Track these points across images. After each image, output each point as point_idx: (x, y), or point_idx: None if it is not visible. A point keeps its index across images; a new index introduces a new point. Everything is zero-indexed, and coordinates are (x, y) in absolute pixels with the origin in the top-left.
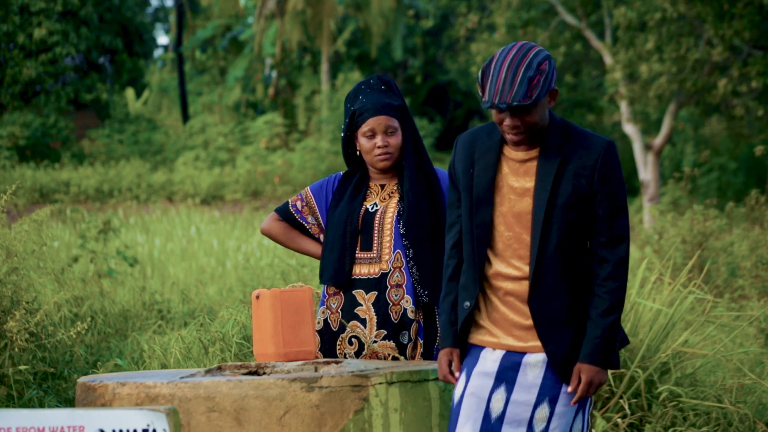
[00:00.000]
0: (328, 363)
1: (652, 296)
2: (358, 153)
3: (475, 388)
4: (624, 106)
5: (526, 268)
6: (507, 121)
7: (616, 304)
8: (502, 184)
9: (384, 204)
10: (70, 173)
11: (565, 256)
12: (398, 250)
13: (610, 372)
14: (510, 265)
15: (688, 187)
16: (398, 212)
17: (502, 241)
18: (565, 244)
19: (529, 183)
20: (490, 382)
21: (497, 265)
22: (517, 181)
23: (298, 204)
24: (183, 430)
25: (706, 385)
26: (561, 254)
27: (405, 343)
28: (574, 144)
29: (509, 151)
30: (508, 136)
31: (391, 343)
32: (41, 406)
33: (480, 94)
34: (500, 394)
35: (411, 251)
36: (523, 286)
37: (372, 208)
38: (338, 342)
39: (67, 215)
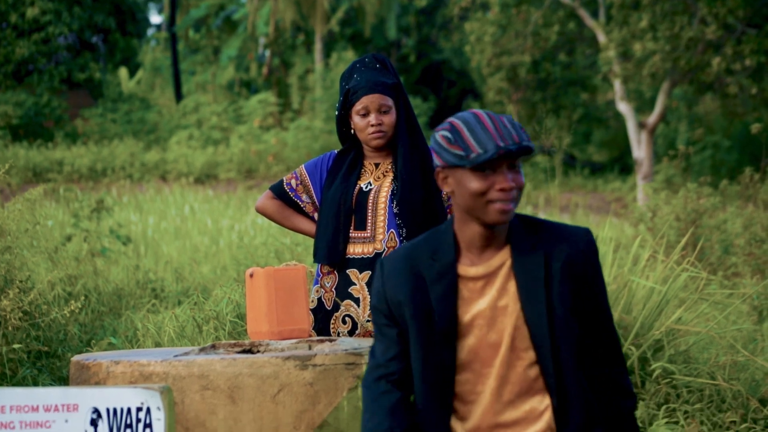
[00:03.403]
0: (322, 341)
1: (646, 274)
2: (352, 131)
3: None
4: (618, 84)
5: (515, 413)
6: (501, 182)
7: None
8: (465, 312)
9: (378, 183)
10: (63, 152)
11: (581, 382)
12: (392, 230)
13: None
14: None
15: (682, 165)
16: (392, 191)
17: (479, 382)
18: (579, 363)
19: (502, 301)
20: None
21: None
22: (484, 302)
23: (293, 182)
24: (177, 408)
25: (699, 362)
26: (577, 380)
27: None
28: (551, 238)
29: (465, 270)
30: (499, 206)
31: None
32: (35, 384)
33: (453, 155)
34: None
35: (404, 230)
36: None
37: (366, 188)
38: (332, 321)
39: (61, 194)
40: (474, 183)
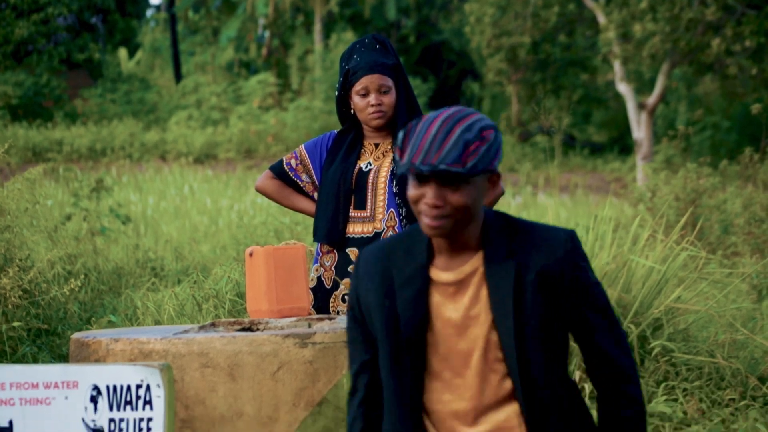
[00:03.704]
0: (321, 319)
1: (645, 253)
2: (352, 112)
3: None
4: (617, 65)
5: (487, 425)
6: (427, 197)
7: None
8: (436, 318)
9: (378, 163)
10: (62, 132)
11: (557, 394)
12: (392, 209)
13: None
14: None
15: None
16: (392, 171)
17: (448, 391)
18: (550, 377)
19: (474, 309)
20: None
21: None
22: (455, 310)
23: (293, 162)
24: (176, 386)
25: (698, 341)
26: (552, 392)
27: None
28: (527, 243)
29: (437, 275)
30: (425, 221)
31: None
32: (35, 362)
33: (398, 158)
34: None
35: (404, 210)
36: None
37: (366, 167)
38: (331, 299)
39: (60, 174)
40: (410, 189)
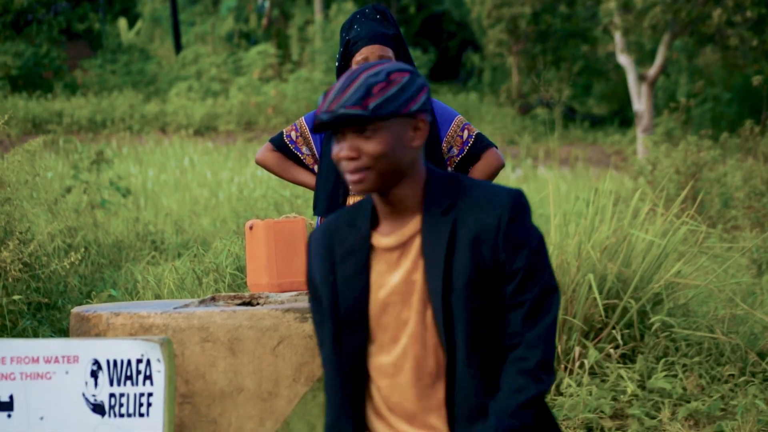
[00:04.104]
0: None
1: (645, 227)
2: None
3: None
4: (618, 36)
5: (434, 401)
6: (342, 150)
7: (535, 395)
8: (379, 287)
9: None
10: (62, 103)
11: (481, 362)
12: None
13: (602, 302)
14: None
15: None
16: None
17: (389, 361)
18: (476, 345)
19: (416, 274)
20: None
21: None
22: (398, 276)
23: (293, 134)
24: (177, 360)
25: (698, 316)
26: (475, 360)
27: None
28: (466, 202)
29: (378, 239)
30: (348, 177)
31: None
32: (35, 336)
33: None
34: None
35: None
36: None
37: None
38: None
39: (60, 146)
40: (332, 149)
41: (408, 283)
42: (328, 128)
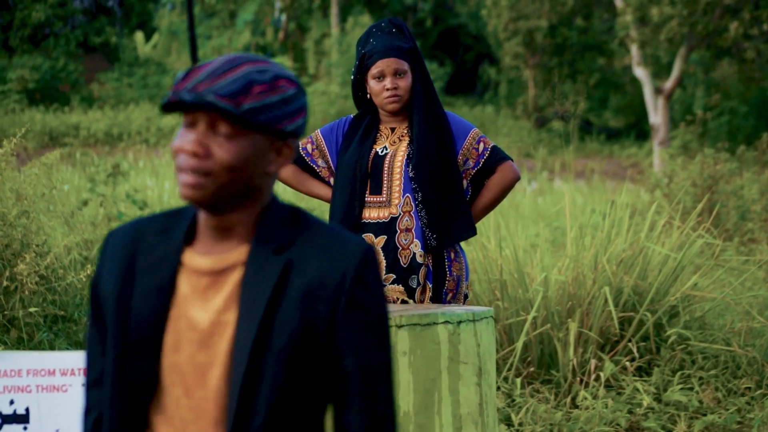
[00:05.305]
0: None
1: (662, 240)
2: (368, 96)
3: None
4: (634, 49)
5: None
6: (187, 143)
7: None
8: (178, 316)
9: (394, 147)
10: (79, 117)
11: None
12: (407, 194)
13: (618, 315)
14: None
15: (699, 131)
16: (408, 156)
17: (176, 414)
18: (280, 419)
19: (227, 314)
20: None
21: None
22: (204, 310)
23: (309, 147)
24: None
25: (714, 329)
26: None
27: (414, 287)
28: (308, 244)
29: (192, 258)
30: (181, 178)
31: (400, 287)
32: (51, 348)
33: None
34: None
35: (420, 195)
36: None
37: (382, 152)
38: None
39: (77, 159)
40: (176, 139)
41: (215, 324)
42: (180, 110)
